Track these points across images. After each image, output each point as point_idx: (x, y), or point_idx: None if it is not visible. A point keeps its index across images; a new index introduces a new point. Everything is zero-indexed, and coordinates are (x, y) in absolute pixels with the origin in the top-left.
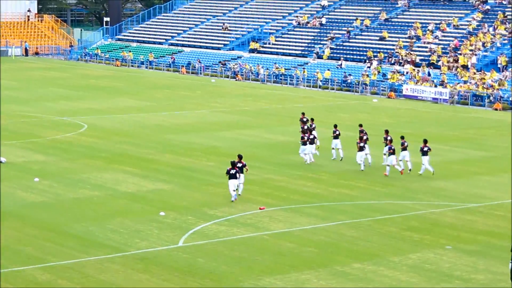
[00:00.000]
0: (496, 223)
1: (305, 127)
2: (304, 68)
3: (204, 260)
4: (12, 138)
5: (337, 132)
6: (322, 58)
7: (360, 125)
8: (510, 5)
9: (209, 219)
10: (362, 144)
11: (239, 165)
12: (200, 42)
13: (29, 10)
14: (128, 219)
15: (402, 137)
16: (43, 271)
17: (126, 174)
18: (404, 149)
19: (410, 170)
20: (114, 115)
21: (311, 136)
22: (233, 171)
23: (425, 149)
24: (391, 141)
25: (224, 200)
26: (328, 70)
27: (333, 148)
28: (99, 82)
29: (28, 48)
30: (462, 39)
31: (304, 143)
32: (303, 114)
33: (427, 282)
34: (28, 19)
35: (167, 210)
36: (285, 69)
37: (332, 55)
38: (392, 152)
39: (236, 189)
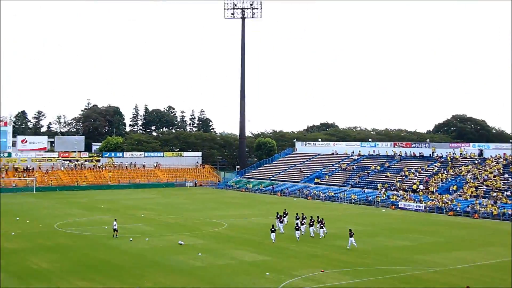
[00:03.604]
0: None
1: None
2: (344, 192)
3: None
4: (187, 231)
5: (312, 220)
6: (354, 187)
7: (317, 217)
8: (455, 159)
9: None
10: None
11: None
12: (288, 178)
13: (197, 163)
14: (249, 276)
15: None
16: None
17: (246, 251)
18: (311, 225)
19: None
20: (241, 218)
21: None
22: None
23: (352, 234)
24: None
25: (301, 266)
26: (355, 194)
27: (311, 231)
28: (233, 200)
29: (196, 182)
30: (430, 177)
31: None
32: (285, 210)
33: None
34: (197, 167)
35: (270, 271)
36: (334, 193)
37: (360, 185)
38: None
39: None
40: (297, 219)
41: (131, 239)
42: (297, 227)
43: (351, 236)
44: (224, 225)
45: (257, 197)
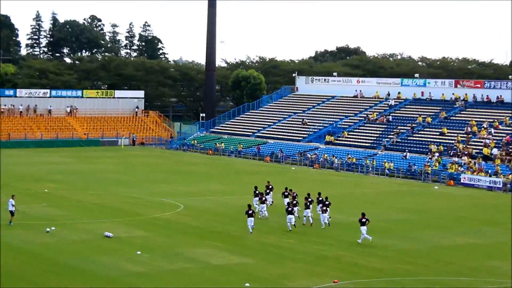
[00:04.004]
0: None
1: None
2: (373, 158)
3: None
4: (118, 216)
5: (310, 199)
6: (389, 150)
7: (319, 194)
8: None
9: None
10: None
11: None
12: (282, 134)
13: (137, 107)
14: None
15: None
16: None
17: (214, 249)
18: (307, 207)
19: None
20: (207, 197)
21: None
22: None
23: (363, 220)
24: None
25: (302, 273)
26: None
27: (304, 216)
28: (194, 168)
29: (135, 138)
30: None
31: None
32: (268, 182)
33: None
34: (136, 115)
35: (251, 281)
36: (356, 159)
37: (399, 146)
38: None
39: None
40: (286, 196)
41: (47, 229)
42: (289, 209)
43: (363, 224)
44: (179, 207)
45: (232, 163)
